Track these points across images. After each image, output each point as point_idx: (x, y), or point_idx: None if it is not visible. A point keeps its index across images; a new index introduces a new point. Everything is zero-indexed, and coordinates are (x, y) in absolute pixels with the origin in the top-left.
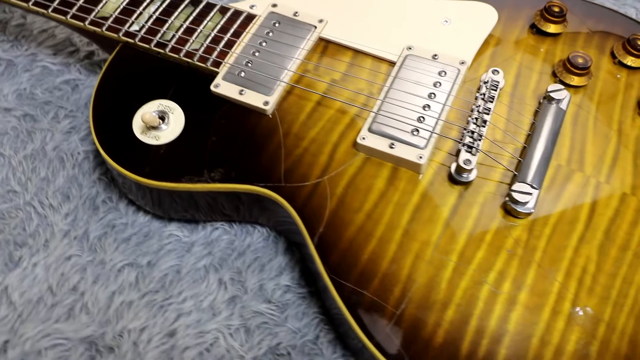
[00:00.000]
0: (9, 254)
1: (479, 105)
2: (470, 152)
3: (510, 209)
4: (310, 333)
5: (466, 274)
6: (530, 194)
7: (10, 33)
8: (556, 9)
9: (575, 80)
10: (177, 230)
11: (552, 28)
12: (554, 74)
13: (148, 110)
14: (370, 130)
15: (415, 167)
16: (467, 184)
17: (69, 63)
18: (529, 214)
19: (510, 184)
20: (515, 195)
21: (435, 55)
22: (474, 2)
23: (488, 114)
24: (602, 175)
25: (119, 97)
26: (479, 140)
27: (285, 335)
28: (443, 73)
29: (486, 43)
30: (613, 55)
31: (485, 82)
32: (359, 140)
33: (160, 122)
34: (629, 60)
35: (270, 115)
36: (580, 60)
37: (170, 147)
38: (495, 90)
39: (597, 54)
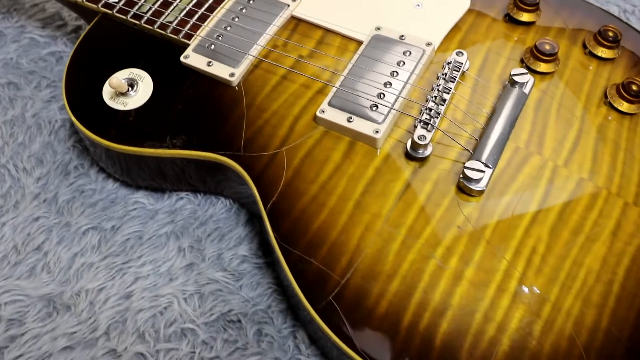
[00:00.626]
0: None
1: (440, 85)
2: (425, 129)
3: (463, 186)
4: (263, 302)
5: (414, 248)
6: (482, 171)
7: (4, 6)
8: None
9: (542, 67)
10: (143, 198)
11: (524, 17)
12: (521, 61)
13: (117, 77)
14: (330, 104)
15: (371, 142)
16: (422, 160)
17: (56, 36)
18: (481, 192)
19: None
20: (468, 172)
21: (402, 36)
22: None
23: (448, 93)
24: (561, 159)
25: (93, 65)
26: (436, 117)
27: (238, 303)
28: (408, 53)
29: (457, 28)
30: (584, 46)
31: (448, 63)
32: (318, 114)
33: (129, 89)
34: (600, 51)
35: (235, 87)
36: (547, 47)
37: (136, 113)
38: (457, 71)
39: (568, 44)
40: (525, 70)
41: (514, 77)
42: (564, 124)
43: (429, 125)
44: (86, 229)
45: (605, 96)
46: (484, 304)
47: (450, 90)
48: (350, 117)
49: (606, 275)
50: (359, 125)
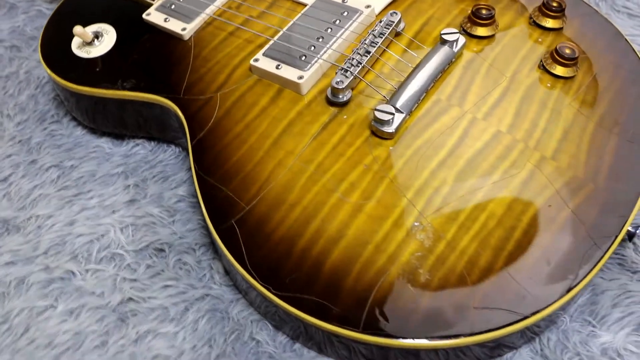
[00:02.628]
0: None
1: (367, 39)
2: (344, 75)
3: (374, 128)
4: (189, 236)
5: (319, 182)
6: (391, 114)
7: None
8: None
9: (479, 31)
10: (104, 143)
11: None
12: (460, 26)
13: (81, 27)
14: (264, 54)
15: (296, 87)
16: (341, 105)
17: None
18: (391, 135)
19: None
20: (377, 114)
21: (346, 0)
22: None
23: (374, 47)
24: (481, 112)
25: (68, 21)
26: (357, 66)
27: (166, 235)
28: (345, 13)
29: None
30: (530, 17)
31: (380, 22)
32: (252, 62)
33: (95, 40)
34: (544, 21)
35: (187, 41)
36: (483, 12)
37: (96, 60)
38: (388, 29)
39: (515, 14)
40: (455, 30)
41: (443, 36)
42: (491, 82)
43: (348, 72)
44: (49, 166)
45: (542, 61)
46: (378, 236)
47: (377, 44)
48: (279, 65)
49: (509, 221)
50: (286, 72)
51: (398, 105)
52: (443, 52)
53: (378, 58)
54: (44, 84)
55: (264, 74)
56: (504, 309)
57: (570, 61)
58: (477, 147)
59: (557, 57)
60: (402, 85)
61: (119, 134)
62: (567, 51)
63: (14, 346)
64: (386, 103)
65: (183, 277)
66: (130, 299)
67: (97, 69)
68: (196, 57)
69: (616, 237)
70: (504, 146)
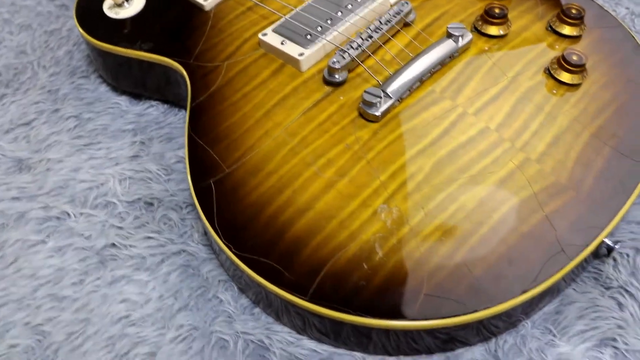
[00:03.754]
0: None
1: (373, 25)
2: (342, 56)
3: (361, 110)
4: (179, 195)
5: (299, 155)
6: (378, 97)
7: None
8: None
9: (490, 30)
10: (122, 100)
11: None
12: (473, 26)
13: None
14: (273, 30)
15: (296, 64)
16: (336, 84)
17: None
18: (376, 117)
19: None
20: (365, 96)
21: None
22: None
23: (378, 32)
24: (472, 108)
25: None
26: (357, 49)
27: (159, 191)
28: None
29: None
30: (548, 22)
31: (390, 10)
32: (260, 36)
33: (125, 2)
34: (561, 28)
35: (207, 11)
36: (496, 11)
37: (123, 21)
38: (396, 17)
39: (533, 18)
40: (462, 25)
41: (449, 29)
42: (491, 80)
43: (346, 54)
44: (69, 116)
45: (550, 66)
46: (344, 212)
47: (381, 31)
48: (284, 41)
49: (478, 216)
50: (289, 48)
51: (388, 90)
52: (445, 46)
53: (381, 45)
54: (80, 42)
55: (270, 49)
56: (454, 299)
57: (576, 68)
58: (460, 140)
59: (563, 63)
60: (397, 72)
61: (137, 94)
62: (574, 58)
63: (0, 273)
64: (378, 86)
65: (165, 232)
66: (113, 244)
67: (121, 29)
68: (213, 27)
69: (586, 247)
70: (489, 143)
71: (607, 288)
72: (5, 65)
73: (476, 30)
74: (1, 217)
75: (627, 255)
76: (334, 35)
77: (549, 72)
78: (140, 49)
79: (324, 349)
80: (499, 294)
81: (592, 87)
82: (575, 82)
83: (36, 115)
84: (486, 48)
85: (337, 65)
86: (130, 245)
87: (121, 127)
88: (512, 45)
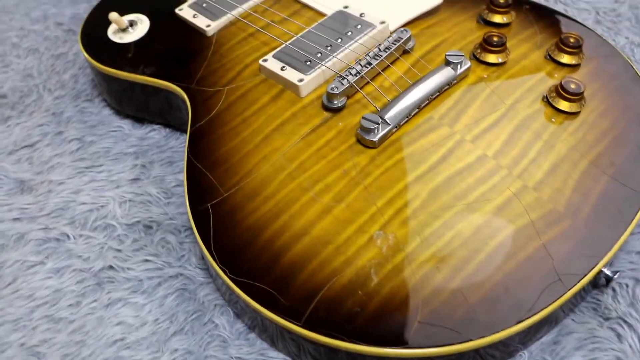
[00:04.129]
0: (1, 114)
1: (372, 52)
2: (341, 83)
3: (359, 136)
4: (179, 219)
5: (296, 180)
6: (377, 123)
7: None
8: (501, 0)
9: (488, 58)
10: (125, 124)
11: (496, 18)
12: (472, 54)
13: (116, 14)
14: (274, 56)
15: (296, 90)
16: (334, 110)
17: None
18: (374, 143)
19: None
20: (363, 122)
21: (362, 14)
22: None
23: (377, 59)
24: (470, 135)
25: (110, 9)
26: (355, 76)
27: (158, 214)
28: (359, 26)
29: (428, 19)
30: (547, 51)
31: (389, 38)
32: (260, 62)
33: (129, 27)
34: (560, 57)
35: (209, 36)
36: (494, 39)
37: (127, 45)
38: (395, 44)
39: (531, 47)
40: (460, 53)
41: (448, 57)
42: (489, 107)
43: (345, 80)
44: (72, 139)
45: (548, 94)
46: (340, 238)
47: (380, 58)
48: (284, 67)
49: (475, 243)
50: (289, 74)
51: (386, 116)
52: (444, 73)
53: (380, 72)
54: (86, 66)
55: (270, 74)
56: (449, 327)
57: (574, 96)
58: (458, 167)
59: (561, 91)
60: (395, 99)
61: (140, 118)
62: (572, 86)
63: None
64: (375, 113)
65: (163, 255)
66: (111, 266)
67: (125, 54)
68: (214, 52)
69: (584, 276)
70: (486, 170)
71: (606, 319)
72: (12, 88)
73: (475, 58)
74: (1, 237)
75: (627, 285)
76: (333, 62)
77: (547, 100)
78: (143, 73)
79: None
80: (494, 323)
81: (591, 116)
82: (573, 110)
83: (40, 137)
84: (485, 76)
85: (335, 91)
86: (128, 268)
87: (123, 150)
88: (510, 73)
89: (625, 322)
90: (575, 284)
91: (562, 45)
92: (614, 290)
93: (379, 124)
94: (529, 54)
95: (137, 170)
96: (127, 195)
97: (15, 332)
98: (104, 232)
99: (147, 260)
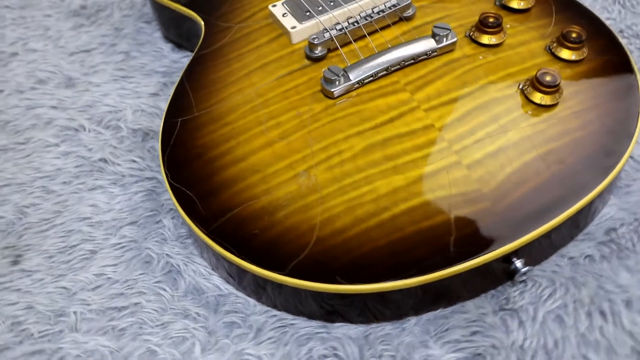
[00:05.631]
0: (77, 21)
1: (365, 12)
2: (323, 35)
3: (321, 85)
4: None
5: (256, 113)
6: (337, 76)
7: None
8: None
9: (482, 38)
10: (167, 47)
11: (514, 3)
12: (468, 34)
13: None
14: (283, 3)
15: (289, 36)
16: (314, 60)
17: None
18: (332, 94)
19: None
20: (325, 72)
21: None
22: None
23: (366, 20)
24: (427, 105)
25: None
26: (340, 31)
27: (158, 126)
28: None
29: None
30: (549, 44)
31: (388, 2)
32: (270, 7)
33: None
34: (559, 51)
35: None
36: (490, 20)
37: None
38: (391, 9)
39: (537, 36)
40: (448, 26)
41: (434, 29)
42: (458, 83)
43: (327, 33)
44: (120, 51)
45: (529, 80)
46: (270, 170)
47: (370, 19)
48: (286, 14)
49: (386, 202)
50: (287, 20)
51: (350, 71)
52: (424, 43)
53: (365, 35)
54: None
55: (274, 19)
56: (330, 268)
57: (548, 88)
58: (401, 131)
59: (535, 82)
60: (365, 59)
61: (179, 44)
62: (547, 78)
63: (17, 160)
64: (345, 68)
65: (147, 159)
66: (105, 159)
67: None
68: None
69: (474, 258)
70: (427, 139)
71: (502, 309)
72: (94, 2)
73: (469, 36)
74: (37, 119)
75: (539, 284)
76: (329, 16)
77: (521, 89)
78: (177, 2)
79: (227, 288)
80: (370, 276)
81: (564, 112)
82: (545, 102)
83: (97, 45)
84: (470, 54)
85: (315, 42)
86: (117, 164)
87: (155, 68)
88: (499, 57)
89: (518, 316)
90: (461, 263)
91: (563, 39)
92: (525, 284)
93: (339, 76)
94: (529, 42)
95: (158, 87)
96: (142, 106)
97: (16, 193)
98: (112, 131)
99: (133, 161)
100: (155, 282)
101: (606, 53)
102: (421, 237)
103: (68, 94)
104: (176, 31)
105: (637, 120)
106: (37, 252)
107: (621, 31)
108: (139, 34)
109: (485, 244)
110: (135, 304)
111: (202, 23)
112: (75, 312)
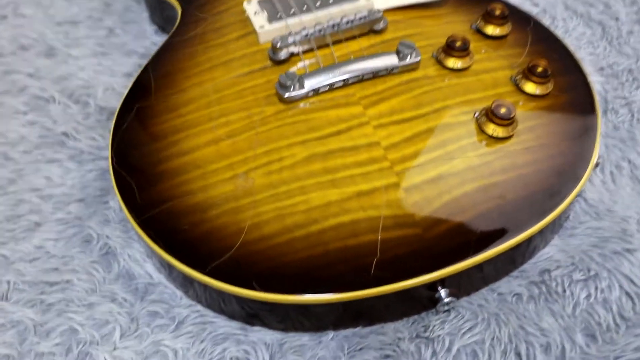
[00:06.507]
0: None
1: (333, 21)
2: (286, 39)
3: (275, 89)
4: None
5: (210, 108)
6: (290, 82)
7: None
8: (497, 12)
9: (447, 61)
10: (150, 29)
11: (489, 29)
12: (434, 55)
13: None
14: (258, 2)
15: (256, 35)
16: (275, 62)
17: None
18: (283, 99)
19: None
20: (280, 76)
21: None
22: None
23: (332, 29)
24: (377, 122)
25: None
26: (304, 37)
27: None
28: None
29: (423, 11)
30: (514, 75)
31: (359, 14)
32: (244, 3)
33: None
34: (524, 84)
35: None
36: (457, 44)
37: None
38: (359, 21)
39: (505, 66)
40: (413, 45)
41: (399, 45)
42: (413, 104)
43: (290, 38)
44: (105, 27)
45: (485, 113)
46: (211, 167)
47: (337, 27)
48: (257, 12)
49: (315, 214)
50: (256, 19)
51: (306, 79)
52: (386, 59)
53: (329, 43)
54: None
55: (246, 16)
56: (248, 274)
57: (501, 120)
58: (345, 145)
59: (489, 113)
60: (322, 69)
61: (164, 28)
62: (502, 110)
63: None
64: (301, 75)
65: (107, 139)
66: (67, 134)
67: None
68: None
69: (392, 283)
70: (370, 157)
71: (419, 336)
72: None
73: (435, 57)
74: (11, 85)
75: (462, 317)
76: (298, 20)
77: (476, 118)
78: None
79: (158, 278)
80: (285, 287)
81: (515, 146)
82: (496, 134)
83: (84, 19)
84: (432, 75)
85: (277, 45)
86: (78, 140)
87: (135, 49)
88: (461, 82)
89: (433, 346)
90: (378, 286)
91: (528, 71)
92: (448, 314)
93: (294, 82)
94: (496, 70)
95: (134, 67)
96: (114, 85)
97: None
98: (80, 105)
99: (94, 139)
100: (91, 262)
101: (572, 91)
102: (344, 254)
103: (46, 64)
104: (160, 14)
105: (589, 164)
106: None
107: (601, 68)
108: (127, 12)
109: (406, 270)
110: (67, 281)
111: (179, 9)
112: (8, 282)
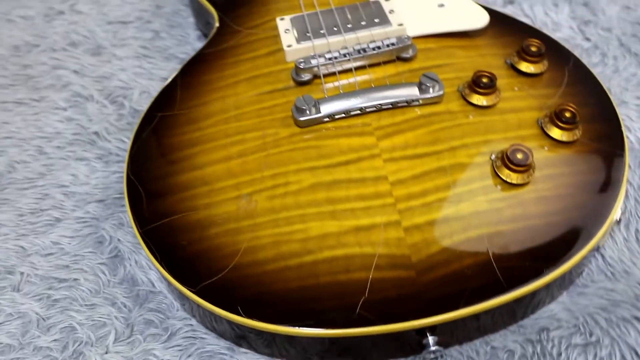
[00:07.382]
0: None
1: (360, 45)
2: (310, 61)
3: (292, 111)
4: None
5: (227, 124)
6: (308, 106)
7: None
8: (533, 49)
9: (472, 97)
10: (192, 34)
11: (524, 66)
12: (464, 86)
13: None
14: (291, 18)
15: (284, 52)
16: (298, 83)
17: None
18: (298, 122)
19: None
20: (297, 99)
21: (392, 10)
22: (478, 7)
23: (359, 54)
24: (388, 155)
25: None
26: (328, 60)
27: None
28: (377, 19)
29: (457, 40)
30: (541, 118)
31: (388, 40)
32: (277, 19)
33: None
34: (551, 130)
35: None
36: (483, 80)
37: None
38: (388, 47)
39: (535, 107)
40: (437, 77)
41: (422, 77)
42: (429, 139)
43: (314, 60)
44: (151, 29)
45: (499, 157)
46: (218, 185)
47: (363, 54)
48: (287, 30)
49: (311, 245)
50: (286, 37)
51: (322, 105)
52: (407, 90)
53: (352, 69)
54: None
55: (278, 33)
56: (233, 299)
57: (517, 167)
58: (352, 176)
59: (505, 158)
60: (341, 95)
61: (206, 35)
62: (519, 156)
63: (27, 117)
64: (318, 99)
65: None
66: (99, 133)
67: None
68: (260, 2)
69: (378, 325)
70: (375, 191)
71: None
72: None
73: (459, 91)
74: (57, 80)
75: None
76: (325, 42)
77: (492, 160)
78: None
79: (160, 287)
80: (272, 316)
81: (529, 194)
82: (511, 180)
83: (134, 19)
84: (454, 110)
85: (301, 66)
86: (108, 140)
87: (176, 54)
88: (483, 120)
89: None
90: (364, 327)
91: (555, 116)
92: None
93: (311, 107)
94: (523, 111)
95: (171, 73)
96: (150, 88)
97: (15, 147)
98: (115, 106)
99: (123, 141)
100: (99, 263)
101: (603, 140)
102: (333, 289)
103: (91, 62)
104: (203, 21)
105: (605, 222)
106: (12, 208)
107: None
108: (174, 16)
109: (392, 314)
110: (75, 279)
111: (217, 20)
112: (22, 273)
